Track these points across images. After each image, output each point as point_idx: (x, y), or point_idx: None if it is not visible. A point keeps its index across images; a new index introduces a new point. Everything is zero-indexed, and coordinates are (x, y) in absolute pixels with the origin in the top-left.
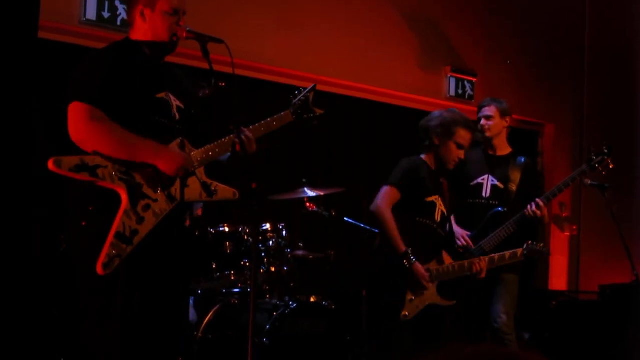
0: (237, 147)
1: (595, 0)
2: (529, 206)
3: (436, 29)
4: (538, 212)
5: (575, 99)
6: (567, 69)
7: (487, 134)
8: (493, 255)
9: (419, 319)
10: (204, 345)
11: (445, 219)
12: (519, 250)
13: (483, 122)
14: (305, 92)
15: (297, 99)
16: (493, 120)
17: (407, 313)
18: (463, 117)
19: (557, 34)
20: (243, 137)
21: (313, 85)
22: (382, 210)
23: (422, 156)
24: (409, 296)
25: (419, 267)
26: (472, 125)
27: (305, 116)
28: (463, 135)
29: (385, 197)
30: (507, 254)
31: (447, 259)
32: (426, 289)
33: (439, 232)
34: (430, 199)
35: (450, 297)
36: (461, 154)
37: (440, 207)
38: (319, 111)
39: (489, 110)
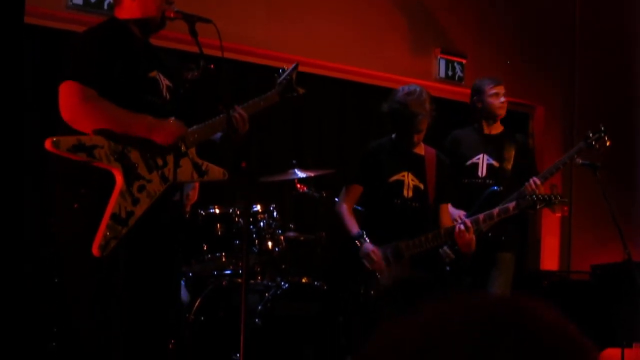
0: (234, 124)
1: None
2: (527, 184)
3: (425, 11)
4: (537, 190)
5: (566, 80)
6: (557, 51)
7: (504, 113)
8: (477, 215)
9: (397, 295)
10: (196, 327)
11: (421, 191)
12: (511, 205)
13: (503, 99)
14: (288, 71)
15: (281, 78)
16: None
17: (373, 292)
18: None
19: (547, 15)
20: (236, 115)
21: (295, 64)
22: (336, 206)
23: (393, 136)
24: (375, 275)
25: (368, 246)
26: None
27: (289, 95)
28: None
29: (340, 196)
30: (495, 211)
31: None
32: (380, 266)
33: (409, 206)
34: (393, 178)
35: (424, 270)
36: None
37: (412, 182)
38: (301, 90)
39: (504, 88)
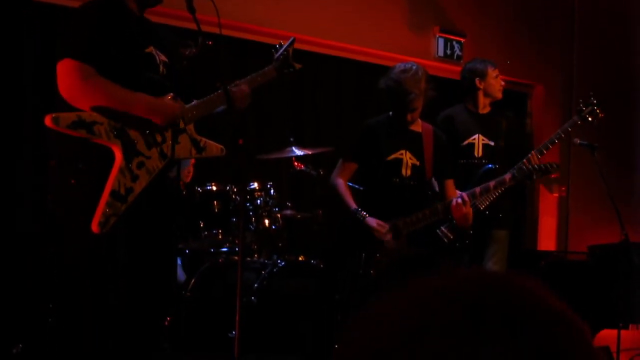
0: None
1: None
2: (525, 160)
3: None
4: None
5: (564, 59)
6: (556, 29)
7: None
8: (474, 189)
9: (397, 273)
10: (192, 304)
11: (418, 169)
12: (507, 177)
13: (503, 82)
14: (285, 46)
15: (279, 54)
16: None
17: (373, 271)
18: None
19: None
20: (237, 90)
21: (292, 39)
22: (331, 180)
23: (390, 113)
24: (374, 253)
25: (371, 220)
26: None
27: (286, 71)
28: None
29: (335, 170)
30: (492, 183)
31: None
32: (382, 240)
33: (407, 184)
34: (392, 157)
35: (421, 245)
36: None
37: (410, 160)
38: (298, 65)
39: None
